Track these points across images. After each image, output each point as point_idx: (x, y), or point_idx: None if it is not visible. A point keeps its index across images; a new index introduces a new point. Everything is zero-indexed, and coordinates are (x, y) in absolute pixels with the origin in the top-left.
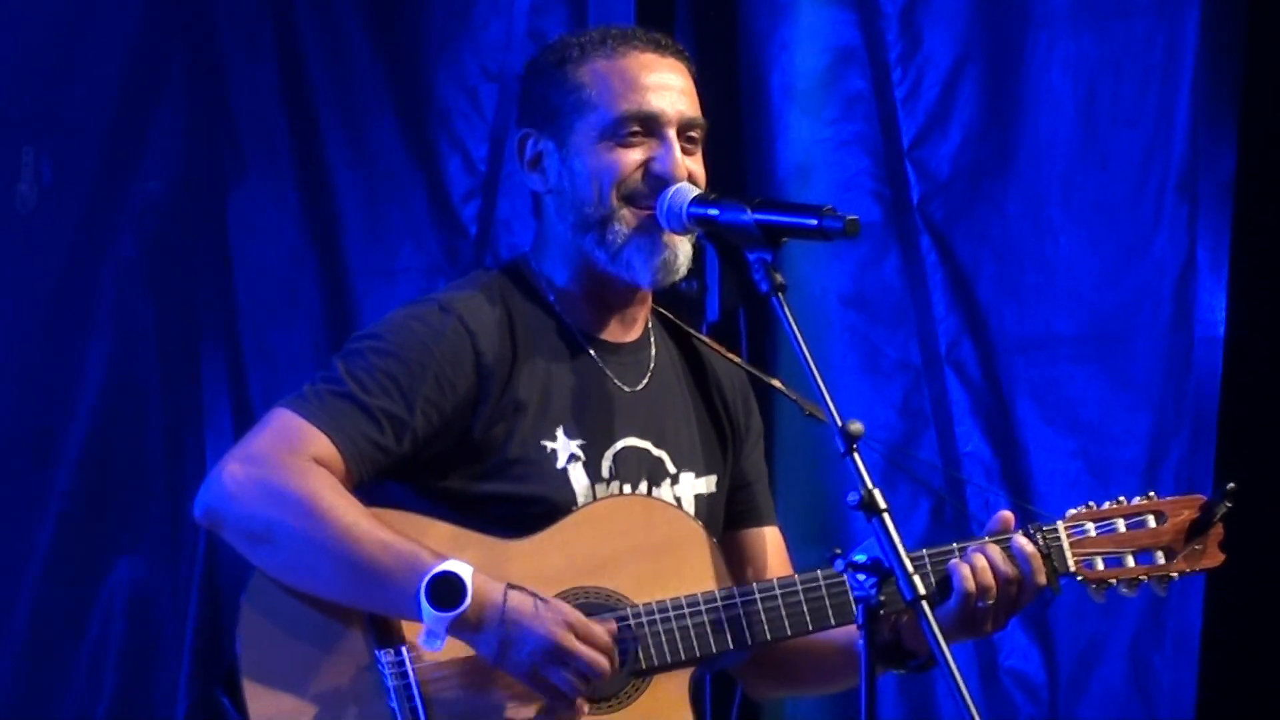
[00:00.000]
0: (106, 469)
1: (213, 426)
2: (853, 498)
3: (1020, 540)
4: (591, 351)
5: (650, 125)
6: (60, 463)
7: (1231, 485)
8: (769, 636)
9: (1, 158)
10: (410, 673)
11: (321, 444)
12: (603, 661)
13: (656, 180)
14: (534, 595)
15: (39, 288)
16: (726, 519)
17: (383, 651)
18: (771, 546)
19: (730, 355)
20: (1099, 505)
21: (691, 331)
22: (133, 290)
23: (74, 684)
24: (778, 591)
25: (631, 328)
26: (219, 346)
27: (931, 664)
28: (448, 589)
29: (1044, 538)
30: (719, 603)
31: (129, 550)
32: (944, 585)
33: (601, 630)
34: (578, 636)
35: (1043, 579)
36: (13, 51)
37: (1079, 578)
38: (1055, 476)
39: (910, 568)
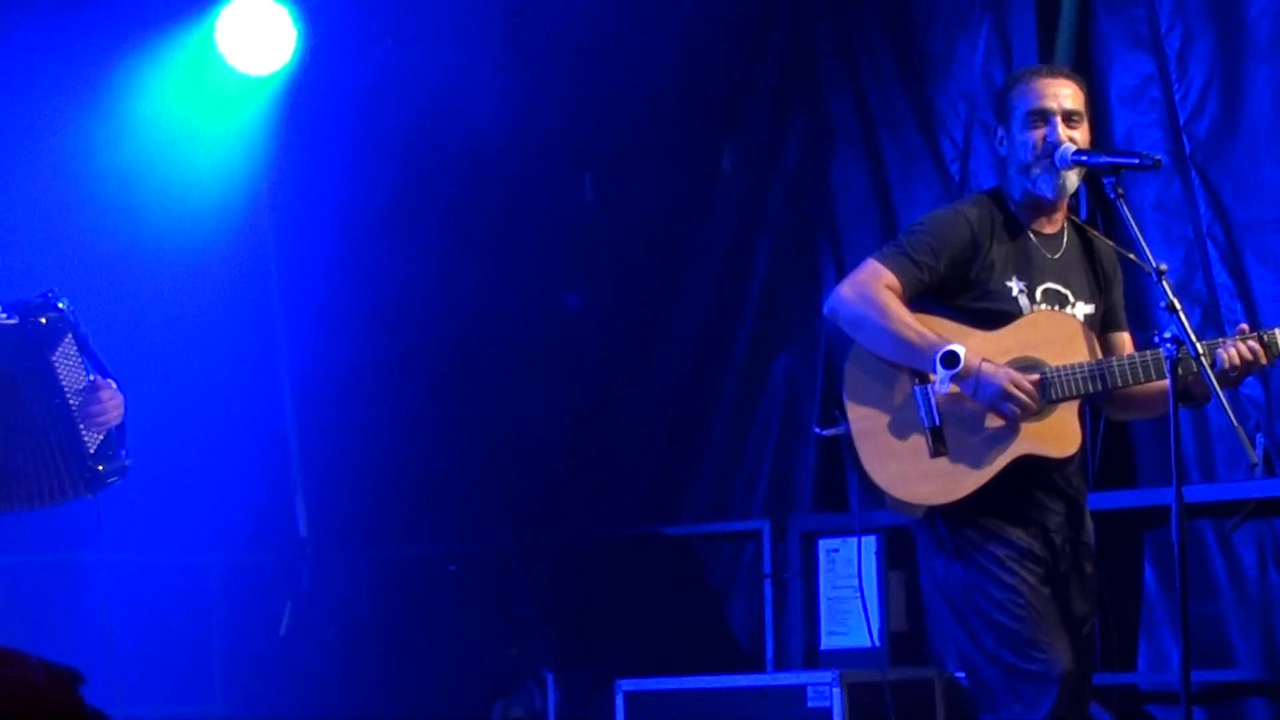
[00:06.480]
0: (775, 308)
1: (826, 282)
2: (1163, 303)
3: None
4: (1031, 237)
5: (1046, 115)
6: (746, 299)
7: None
8: (1129, 381)
9: (702, 146)
10: (931, 398)
11: (890, 277)
12: (1029, 400)
13: (1050, 145)
14: (997, 365)
15: (729, 224)
16: (1101, 326)
17: (918, 387)
18: (1124, 341)
19: (1108, 241)
20: None
21: (1087, 229)
22: (783, 222)
23: (754, 430)
24: (1133, 360)
25: (1053, 225)
26: (828, 244)
27: (1204, 403)
28: (951, 358)
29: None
30: (1098, 367)
31: (785, 347)
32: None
33: (1029, 383)
34: (1016, 387)
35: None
36: (702, 81)
37: None
38: None
39: (1194, 338)
